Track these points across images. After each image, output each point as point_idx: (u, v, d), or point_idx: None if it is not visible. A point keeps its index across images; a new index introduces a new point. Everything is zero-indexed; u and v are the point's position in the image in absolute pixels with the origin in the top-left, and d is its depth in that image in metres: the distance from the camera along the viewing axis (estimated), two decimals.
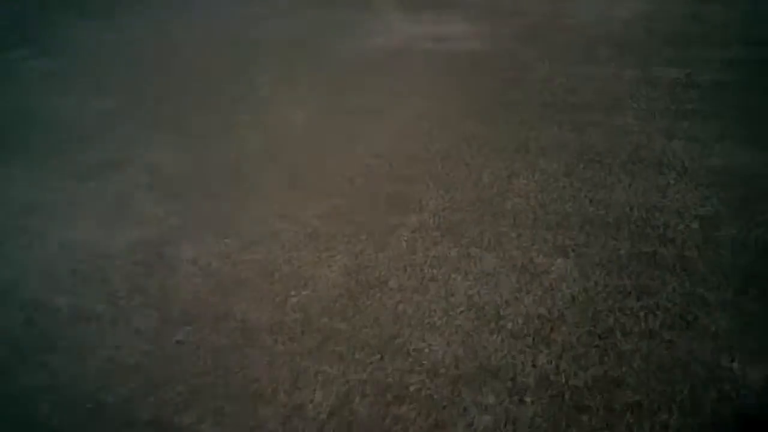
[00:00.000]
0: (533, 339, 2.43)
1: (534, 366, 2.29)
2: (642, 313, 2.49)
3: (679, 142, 3.81)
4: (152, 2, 8.36)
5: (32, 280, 3.16)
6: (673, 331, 2.38)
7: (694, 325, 2.41)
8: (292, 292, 2.85)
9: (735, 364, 2.23)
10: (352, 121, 4.64)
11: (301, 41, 6.74)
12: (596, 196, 3.34)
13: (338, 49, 6.43)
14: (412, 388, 2.26)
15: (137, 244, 3.36)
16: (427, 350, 2.43)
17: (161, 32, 7.39)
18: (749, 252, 2.79)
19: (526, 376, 2.25)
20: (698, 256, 2.80)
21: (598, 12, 6.19)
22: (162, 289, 2.98)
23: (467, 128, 4.29)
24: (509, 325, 2.51)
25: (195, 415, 2.29)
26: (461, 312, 2.61)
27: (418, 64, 5.73)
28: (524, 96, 4.70)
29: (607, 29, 5.76)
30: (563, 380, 2.22)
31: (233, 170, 4.08)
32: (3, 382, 2.55)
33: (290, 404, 2.27)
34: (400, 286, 2.82)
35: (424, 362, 2.37)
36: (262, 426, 2.21)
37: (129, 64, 6.49)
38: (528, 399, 2.18)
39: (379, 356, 2.42)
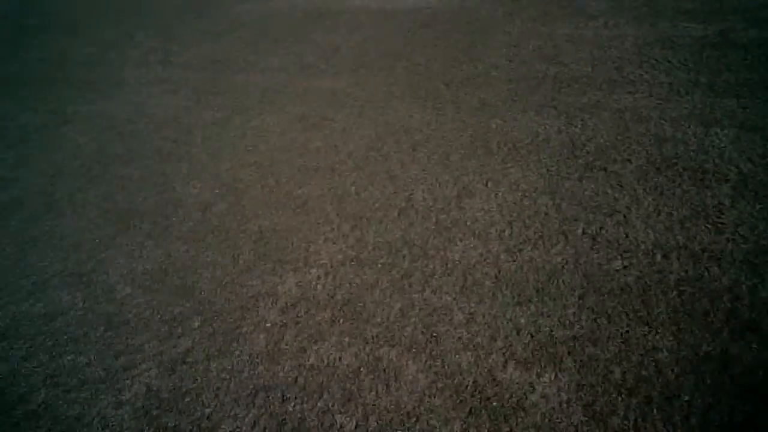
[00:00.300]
0: None
1: None
2: None
3: (724, 133, 2.42)
4: None
5: None
6: None
7: None
8: None
9: None
10: (235, 111, 3.19)
11: None
12: (603, 233, 1.95)
13: (241, 7, 4.94)
14: None
15: None
16: None
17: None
18: None
19: None
20: None
21: None
22: None
23: (399, 116, 2.87)
24: None
25: None
26: None
27: (347, 25, 4.28)
28: (486, 67, 3.27)
29: None
30: None
31: (37, 194, 2.62)
32: None
33: None
34: None
35: None
36: None
37: None
38: None
39: None
